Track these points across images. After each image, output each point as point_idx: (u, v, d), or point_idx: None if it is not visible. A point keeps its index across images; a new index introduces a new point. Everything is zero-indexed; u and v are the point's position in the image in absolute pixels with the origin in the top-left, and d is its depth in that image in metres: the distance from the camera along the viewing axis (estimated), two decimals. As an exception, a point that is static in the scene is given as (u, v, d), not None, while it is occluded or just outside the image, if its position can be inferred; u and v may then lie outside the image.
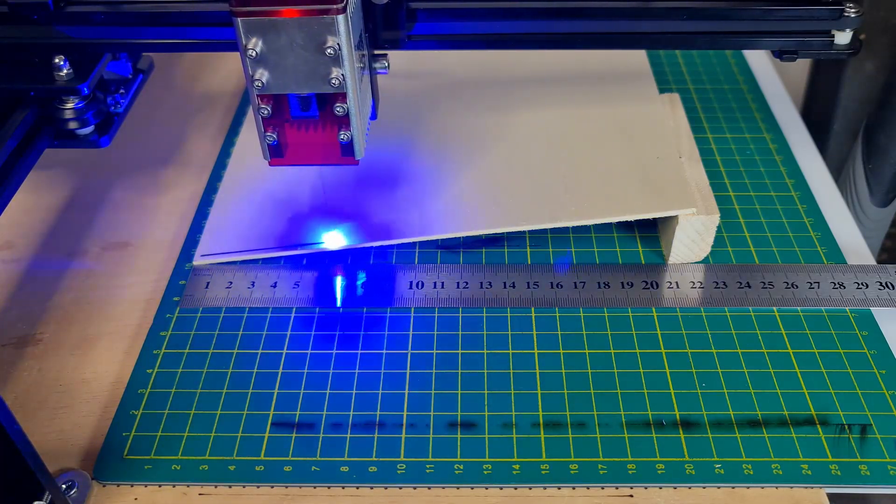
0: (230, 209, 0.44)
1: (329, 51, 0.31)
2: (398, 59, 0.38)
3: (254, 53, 0.31)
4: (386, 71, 0.37)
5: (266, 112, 0.33)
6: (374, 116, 0.38)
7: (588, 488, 0.32)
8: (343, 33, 0.31)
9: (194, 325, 0.39)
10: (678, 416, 0.34)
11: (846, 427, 0.34)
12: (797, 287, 0.40)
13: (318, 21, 0.30)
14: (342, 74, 0.32)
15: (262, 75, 0.32)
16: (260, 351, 0.37)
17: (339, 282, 0.40)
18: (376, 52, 0.37)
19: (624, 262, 0.42)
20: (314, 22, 0.30)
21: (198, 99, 0.55)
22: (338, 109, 0.33)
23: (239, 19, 0.31)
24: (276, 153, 0.35)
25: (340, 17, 0.30)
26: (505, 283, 0.40)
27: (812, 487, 0.32)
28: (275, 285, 0.40)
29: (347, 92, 0.32)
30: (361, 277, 0.41)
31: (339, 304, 0.39)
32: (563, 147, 0.45)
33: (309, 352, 0.37)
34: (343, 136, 0.34)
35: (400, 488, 0.32)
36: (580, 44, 0.39)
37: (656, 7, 0.37)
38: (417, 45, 0.38)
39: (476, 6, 0.37)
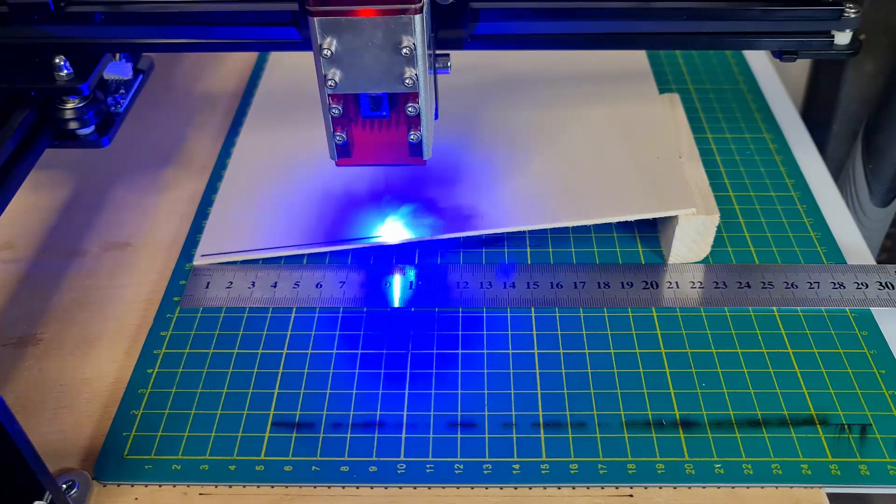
0: (231, 209, 0.44)
1: (405, 51, 0.31)
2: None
3: (328, 53, 0.31)
4: (448, 71, 0.37)
5: (337, 112, 0.33)
6: (436, 117, 0.38)
7: (588, 488, 0.32)
8: (419, 33, 0.31)
9: (194, 325, 0.39)
10: (678, 416, 0.34)
11: (846, 427, 0.34)
12: (797, 287, 0.40)
13: (396, 21, 0.31)
14: (416, 74, 0.32)
15: (335, 75, 0.32)
16: (260, 351, 0.37)
17: (339, 282, 0.40)
18: (438, 52, 0.37)
19: (624, 262, 0.42)
20: (391, 22, 0.31)
21: (198, 99, 0.55)
22: (409, 109, 0.33)
23: (315, 19, 0.30)
24: (343, 153, 0.35)
25: (417, 17, 0.30)
26: (505, 283, 0.40)
27: (812, 487, 0.32)
28: (275, 285, 0.40)
29: (420, 92, 0.32)
30: (362, 278, 0.41)
31: (339, 304, 0.40)
32: (563, 147, 0.45)
33: (309, 352, 0.37)
34: (413, 136, 0.34)
35: (400, 488, 0.32)
36: (580, 44, 0.39)
37: (656, 7, 0.38)
38: (479, 46, 0.38)
39: (538, 6, 0.37)
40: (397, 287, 0.40)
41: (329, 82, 0.32)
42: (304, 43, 0.36)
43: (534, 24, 0.38)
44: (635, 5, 0.37)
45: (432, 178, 0.44)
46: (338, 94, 0.33)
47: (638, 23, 0.38)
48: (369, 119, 0.34)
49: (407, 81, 0.32)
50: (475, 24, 0.37)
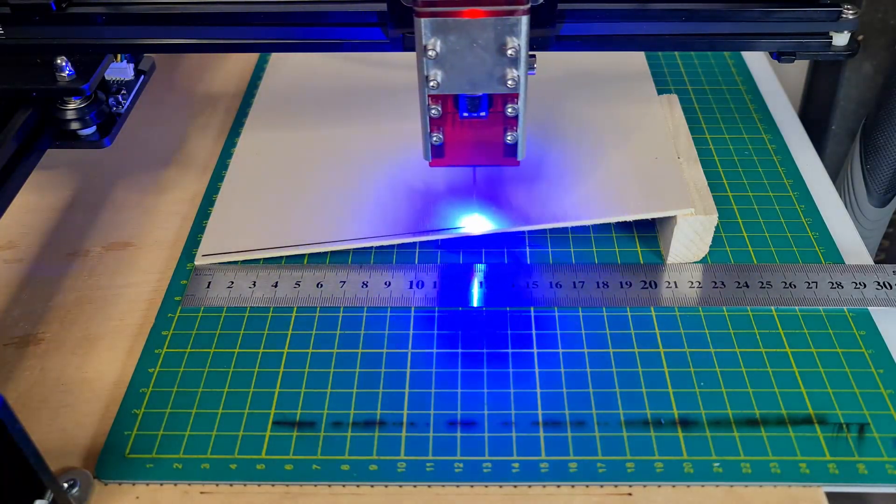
0: (232, 209, 0.44)
1: (510, 52, 0.31)
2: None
3: (433, 54, 0.31)
4: (534, 72, 0.37)
5: (436, 112, 0.33)
6: None
7: (587, 486, 0.32)
8: (524, 34, 0.31)
9: (196, 325, 0.39)
10: (677, 415, 0.35)
11: (844, 426, 0.34)
12: (795, 287, 0.40)
13: (503, 22, 0.31)
14: (518, 75, 0.32)
15: (437, 75, 0.32)
16: (261, 350, 0.38)
17: (340, 281, 0.41)
18: None
19: (623, 262, 0.42)
20: (499, 23, 0.31)
21: (199, 99, 0.55)
22: (510, 110, 0.33)
23: (422, 20, 0.31)
24: (438, 154, 0.35)
25: (525, 18, 0.31)
26: (504, 282, 0.40)
27: (810, 486, 0.32)
28: (276, 285, 0.40)
29: (520, 93, 0.33)
30: (363, 277, 0.41)
31: (340, 303, 0.40)
32: (562, 147, 0.46)
33: (310, 351, 0.38)
34: (510, 137, 0.34)
35: (400, 486, 0.33)
36: (665, 45, 0.39)
37: (655, 8, 0.38)
38: (565, 46, 0.38)
39: (624, 7, 0.37)
40: (398, 287, 0.40)
41: (431, 83, 0.32)
42: (389, 44, 0.36)
43: (621, 26, 0.38)
44: (634, 7, 0.38)
45: (429, 179, 0.45)
46: (438, 94, 0.33)
47: (636, 24, 0.38)
48: (465, 119, 0.34)
49: (510, 83, 0.32)
50: (561, 25, 0.37)
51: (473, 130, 0.34)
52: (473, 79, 0.32)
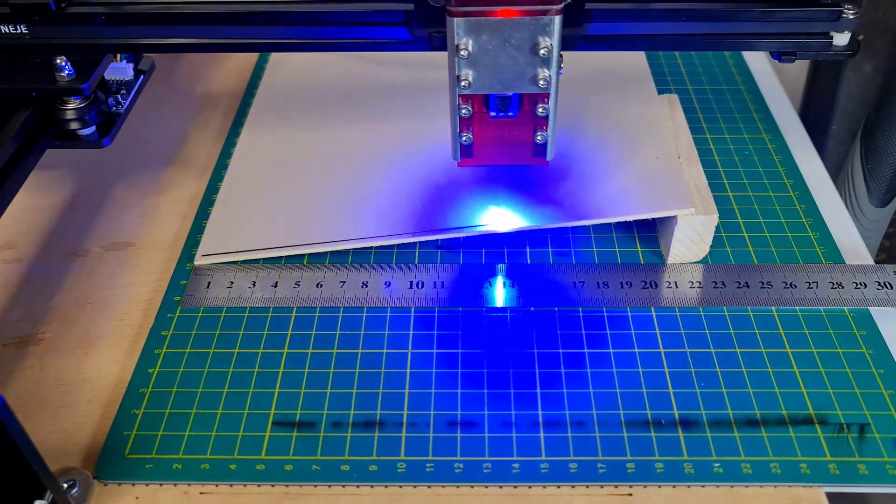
0: (232, 209, 0.44)
1: (543, 51, 0.31)
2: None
3: (465, 54, 0.31)
4: (562, 71, 0.37)
5: (466, 112, 0.33)
6: None
7: (587, 487, 0.32)
8: (556, 34, 0.31)
9: (195, 325, 0.39)
10: (677, 416, 0.35)
11: (845, 426, 0.34)
12: (795, 287, 0.40)
13: (536, 21, 0.31)
14: (549, 75, 0.32)
15: (468, 75, 0.32)
16: (261, 350, 0.38)
17: (340, 282, 0.41)
18: None
19: (623, 262, 0.42)
20: (532, 22, 0.31)
21: (199, 99, 0.55)
22: (540, 110, 0.33)
23: (455, 19, 0.31)
24: (466, 153, 0.35)
25: (557, 18, 0.31)
26: (505, 282, 0.40)
27: (811, 487, 0.32)
28: (276, 285, 0.40)
29: (551, 92, 0.33)
30: (363, 277, 0.41)
31: (339, 304, 0.40)
32: (562, 148, 0.46)
33: (310, 351, 0.38)
34: (539, 136, 0.35)
35: (400, 487, 0.33)
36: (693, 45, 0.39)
37: (655, 8, 0.38)
38: (591, 46, 0.38)
39: (652, 7, 0.37)
40: (398, 287, 0.40)
41: (462, 83, 0.32)
42: (414, 44, 0.36)
43: (648, 26, 0.37)
44: (634, 6, 0.38)
45: (426, 178, 0.44)
46: (469, 94, 0.33)
47: (637, 24, 0.38)
48: (495, 119, 0.34)
49: (541, 83, 0.32)
50: (588, 25, 0.37)
51: (503, 130, 0.35)
52: (505, 78, 0.32)
